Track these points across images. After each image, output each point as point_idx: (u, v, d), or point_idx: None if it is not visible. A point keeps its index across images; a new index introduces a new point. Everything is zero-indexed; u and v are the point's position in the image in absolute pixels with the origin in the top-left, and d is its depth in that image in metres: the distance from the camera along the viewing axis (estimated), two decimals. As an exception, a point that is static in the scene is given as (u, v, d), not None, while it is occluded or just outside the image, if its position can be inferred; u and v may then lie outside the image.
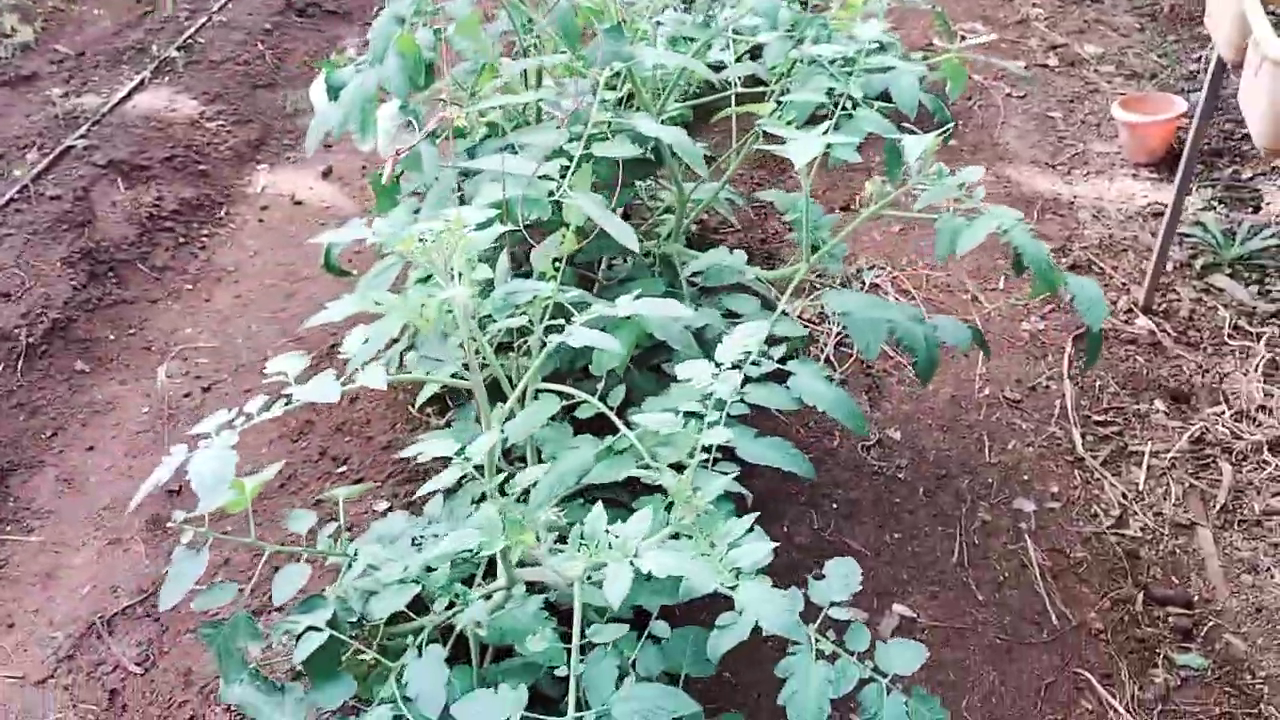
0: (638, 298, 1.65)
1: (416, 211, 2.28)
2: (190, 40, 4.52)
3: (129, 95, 4.18)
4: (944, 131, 2.37)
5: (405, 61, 2.13)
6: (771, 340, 1.94)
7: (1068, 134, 4.05)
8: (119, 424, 3.03)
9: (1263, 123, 2.23)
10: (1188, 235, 3.47)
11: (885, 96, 2.20)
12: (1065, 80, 4.34)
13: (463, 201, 2.17)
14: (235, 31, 4.63)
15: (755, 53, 2.41)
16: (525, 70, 2.40)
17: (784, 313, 2.02)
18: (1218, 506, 2.61)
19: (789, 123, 1.91)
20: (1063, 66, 4.44)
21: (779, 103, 2.02)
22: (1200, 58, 4.42)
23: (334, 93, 2.38)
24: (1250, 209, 3.59)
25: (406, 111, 2.21)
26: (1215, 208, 3.57)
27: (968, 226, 1.81)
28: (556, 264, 1.95)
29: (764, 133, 2.03)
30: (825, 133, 1.79)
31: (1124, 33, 4.65)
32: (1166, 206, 3.62)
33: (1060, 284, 1.91)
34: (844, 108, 2.00)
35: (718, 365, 1.68)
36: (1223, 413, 2.85)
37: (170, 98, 4.19)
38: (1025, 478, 2.71)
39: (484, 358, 1.77)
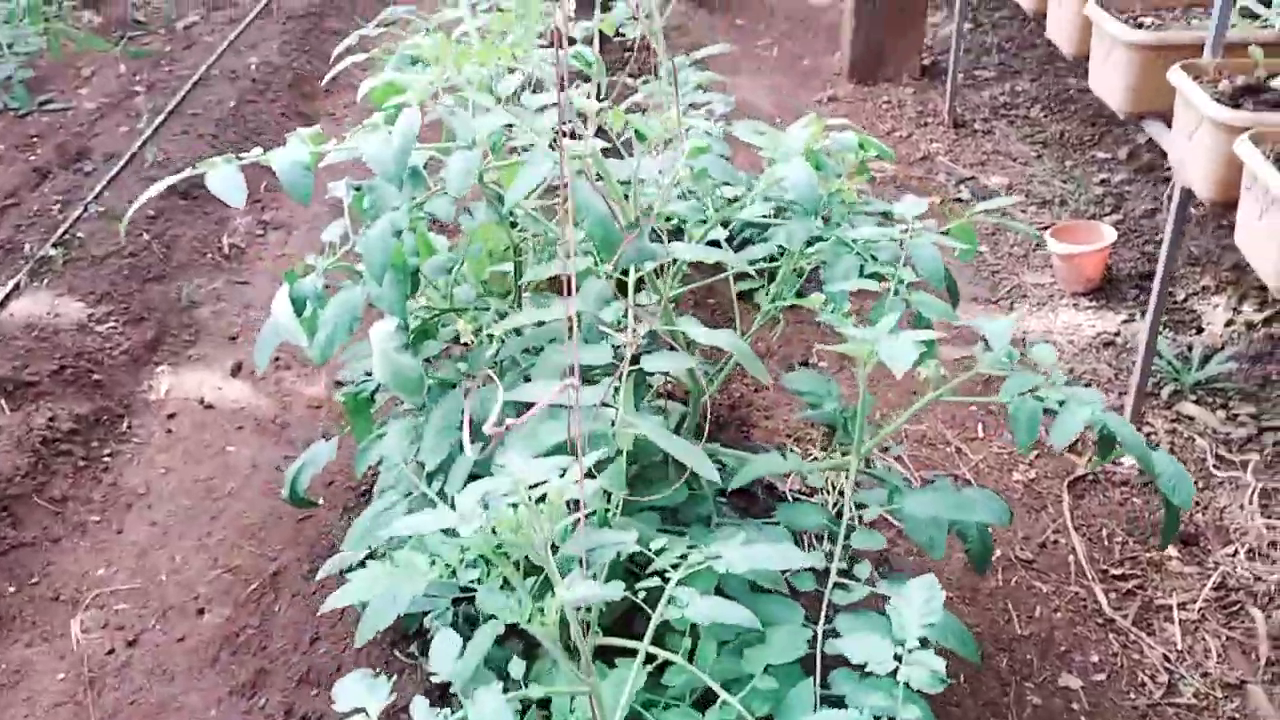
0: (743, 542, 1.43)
1: (416, 436, 2.01)
2: (68, 235, 4.15)
3: (4, 303, 3.77)
4: (956, 301, 2.26)
5: (398, 275, 1.89)
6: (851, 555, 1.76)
7: (1000, 267, 4.06)
8: (30, 697, 2.59)
9: (1277, 265, 2.19)
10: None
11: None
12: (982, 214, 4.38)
13: (473, 423, 1.92)
14: (114, 222, 4.28)
15: (726, 222, 2.26)
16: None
17: (855, 521, 1.83)
18: (1262, 660, 2.50)
19: (845, 315, 1.75)
20: (974, 199, 4.49)
21: (826, 292, 1.86)
22: (1104, 180, 4.54)
23: (299, 305, 2.11)
24: (1193, 330, 3.62)
25: (403, 331, 1.96)
26: (1161, 332, 3.59)
27: (1060, 414, 1.68)
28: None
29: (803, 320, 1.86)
30: (893, 328, 1.63)
31: (1023, 161, 4.75)
32: (1115, 335, 3.63)
33: (1153, 465, 1.79)
34: (895, 291, 1.87)
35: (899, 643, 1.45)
36: (1235, 553, 2.78)
37: (52, 302, 3.80)
38: (1063, 649, 2.55)
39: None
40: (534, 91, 2.06)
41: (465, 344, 2.13)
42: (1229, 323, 3.57)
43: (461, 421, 1.93)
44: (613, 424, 1.63)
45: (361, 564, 2.41)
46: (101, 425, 3.47)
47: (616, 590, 1.40)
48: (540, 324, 1.99)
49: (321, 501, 3.05)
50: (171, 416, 3.56)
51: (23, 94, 5.30)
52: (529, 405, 1.86)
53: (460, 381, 2.09)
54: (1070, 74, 5.44)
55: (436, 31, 2.29)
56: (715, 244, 2.04)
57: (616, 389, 1.68)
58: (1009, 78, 5.52)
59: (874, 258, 2.01)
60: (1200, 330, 3.60)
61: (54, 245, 4.07)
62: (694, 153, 2.02)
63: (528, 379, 2.02)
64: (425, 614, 2.23)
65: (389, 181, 1.81)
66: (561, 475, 1.37)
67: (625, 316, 1.77)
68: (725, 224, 2.42)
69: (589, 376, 1.86)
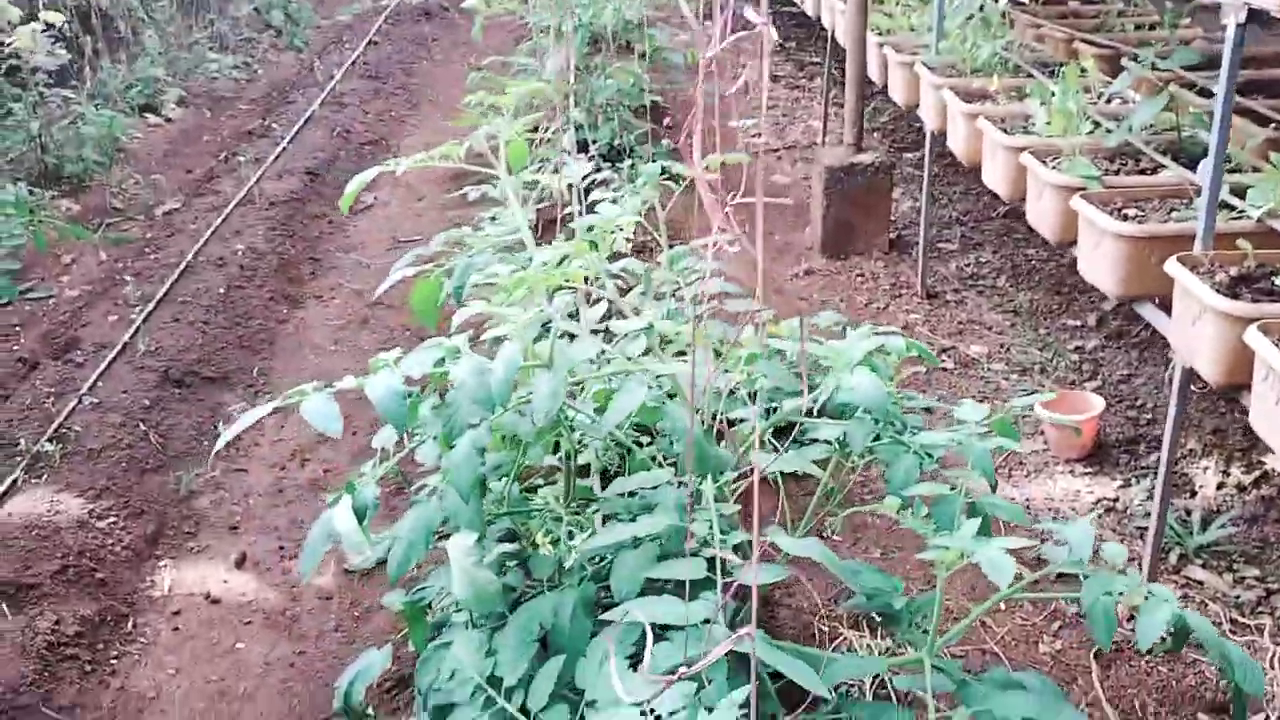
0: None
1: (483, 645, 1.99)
2: (63, 429, 4.10)
3: (1, 501, 3.70)
4: (994, 487, 2.34)
5: (476, 492, 1.92)
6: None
7: (992, 436, 4.18)
8: None
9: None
10: (1144, 528, 3.56)
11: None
12: (967, 381, 4.54)
13: (544, 643, 1.91)
14: (111, 413, 4.25)
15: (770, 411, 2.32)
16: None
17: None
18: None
19: (924, 516, 1.82)
20: (959, 368, 4.66)
21: (892, 491, 1.93)
22: (1078, 347, 4.74)
23: (361, 515, 2.12)
24: (1187, 493, 3.74)
25: (483, 547, 1.97)
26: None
27: (1142, 613, 1.73)
28: None
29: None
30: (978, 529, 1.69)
31: (998, 330, 4.96)
32: (1114, 501, 3.74)
33: (1230, 658, 1.84)
34: (962, 492, 1.94)
35: None
36: (1266, 718, 2.82)
37: (51, 498, 3.73)
38: (1118, 829, 2.54)
39: None
40: (619, 317, 2.14)
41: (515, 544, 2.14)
42: (1220, 485, 3.70)
43: (540, 633, 1.93)
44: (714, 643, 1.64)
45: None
46: (106, 625, 3.37)
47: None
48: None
49: (372, 710, 2.95)
50: (177, 613, 3.47)
51: (7, 285, 5.31)
52: (606, 613, 1.88)
53: (526, 588, 2.08)
54: (1029, 245, 5.73)
55: (493, 251, 2.38)
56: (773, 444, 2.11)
57: (724, 607, 1.70)
58: (972, 249, 5.79)
59: (929, 455, 2.10)
60: (1194, 494, 3.73)
61: (49, 440, 4.02)
62: (750, 359, 2.11)
63: (602, 586, 2.04)
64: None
65: (481, 406, 1.86)
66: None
67: (713, 528, 1.81)
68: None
69: (666, 588, 1.88)
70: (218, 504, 4.01)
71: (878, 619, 2.53)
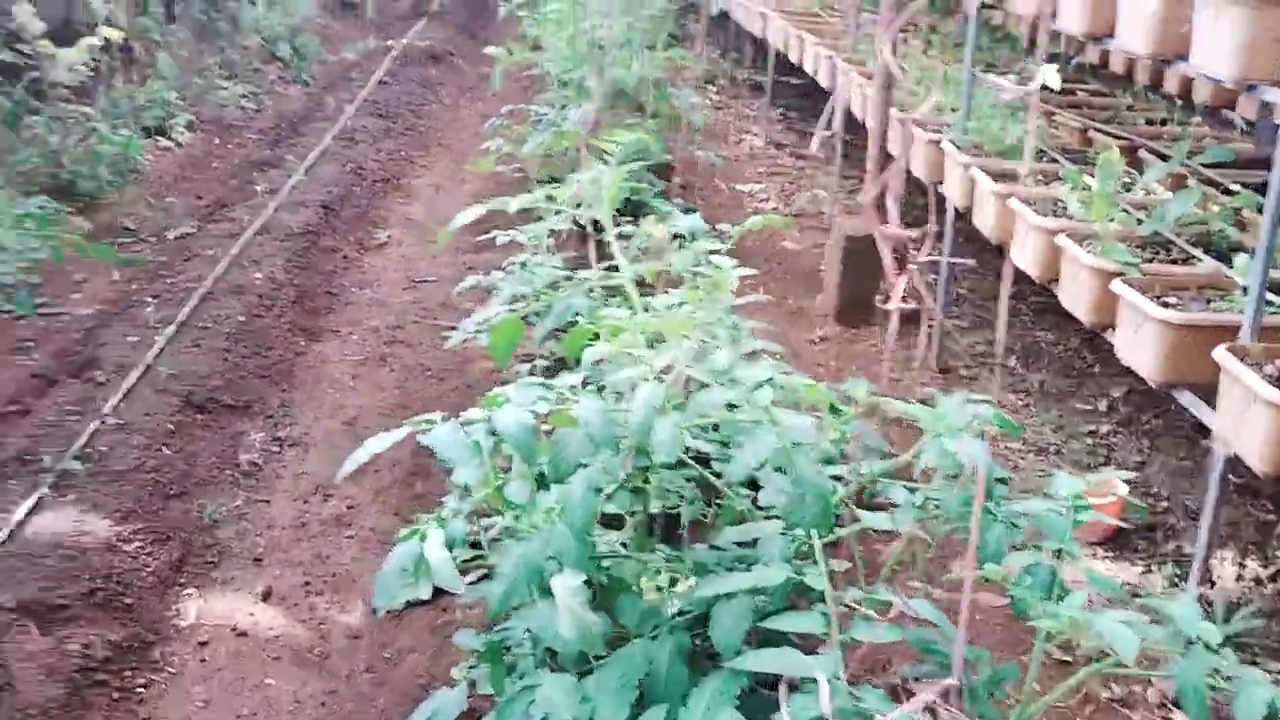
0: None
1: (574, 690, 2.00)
2: (87, 448, 4.06)
3: (27, 518, 3.65)
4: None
5: (587, 533, 1.94)
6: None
7: (1011, 510, 4.26)
8: None
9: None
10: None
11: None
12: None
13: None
14: (135, 435, 4.21)
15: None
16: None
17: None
18: None
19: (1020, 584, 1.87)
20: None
21: (984, 558, 1.99)
22: (1091, 430, 4.85)
23: (451, 549, 2.13)
24: (1207, 584, 3.83)
25: (587, 587, 1.99)
26: (1178, 584, 3.79)
27: (1239, 694, 1.79)
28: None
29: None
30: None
31: (1012, 410, 5.06)
32: (1136, 587, 3.82)
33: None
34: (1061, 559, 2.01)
35: None
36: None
37: (77, 518, 3.69)
38: None
39: None
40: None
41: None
42: (1238, 577, 3.79)
43: (638, 679, 1.95)
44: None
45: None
46: (133, 652, 3.32)
47: None
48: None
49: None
50: (204, 644, 3.43)
51: (26, 299, 5.26)
52: (713, 660, 1.91)
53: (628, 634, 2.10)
54: (1037, 327, 5.87)
55: (598, 295, 2.42)
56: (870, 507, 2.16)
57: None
58: (982, 327, 5.92)
59: (1014, 524, 2.16)
60: (1212, 584, 3.81)
61: (74, 458, 3.98)
62: (844, 422, 2.17)
63: (701, 634, 2.06)
64: None
65: (606, 445, 1.89)
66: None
67: (826, 583, 1.85)
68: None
69: (773, 638, 1.92)
70: (241, 535, 3.98)
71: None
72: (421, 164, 8.56)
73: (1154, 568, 3.88)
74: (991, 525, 2.11)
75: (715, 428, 2.12)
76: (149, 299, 5.38)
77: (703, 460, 2.23)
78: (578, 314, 2.37)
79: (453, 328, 5.35)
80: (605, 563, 2.27)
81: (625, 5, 6.23)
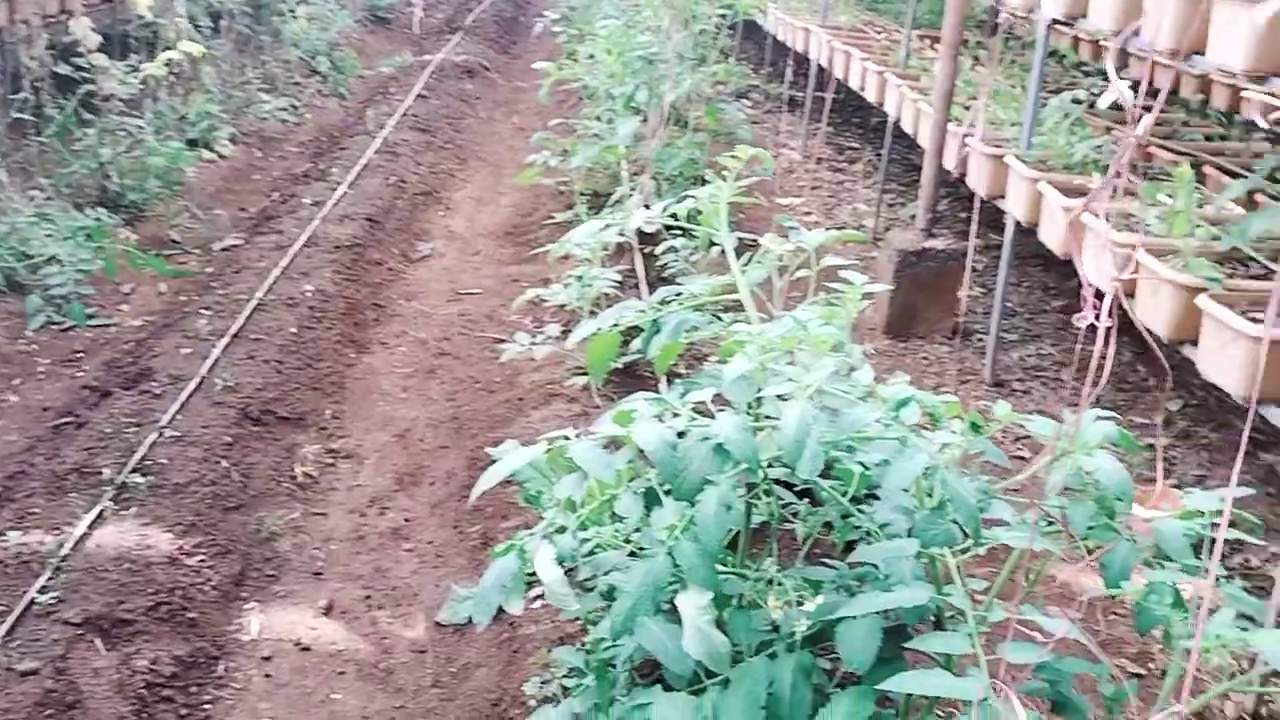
0: None
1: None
2: (145, 460, 4.03)
3: (89, 531, 3.62)
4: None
5: (713, 549, 1.87)
6: None
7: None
8: None
9: None
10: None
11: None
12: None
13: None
14: (192, 447, 4.18)
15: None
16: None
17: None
18: None
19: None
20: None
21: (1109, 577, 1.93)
22: (1149, 445, 4.76)
23: (562, 564, 2.08)
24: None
25: (714, 606, 1.93)
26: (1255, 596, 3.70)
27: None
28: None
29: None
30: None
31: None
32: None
33: None
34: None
35: None
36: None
37: (140, 532, 3.65)
38: None
39: None
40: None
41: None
42: (1320, 594, 3.70)
43: (767, 701, 1.89)
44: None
45: None
46: (198, 667, 3.29)
47: None
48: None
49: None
50: (268, 659, 3.39)
51: (79, 310, 5.26)
52: (837, 679, 1.85)
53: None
54: (1084, 340, 5.78)
55: (694, 309, 2.37)
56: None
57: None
58: (1031, 341, 5.85)
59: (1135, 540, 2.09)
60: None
61: (134, 471, 3.95)
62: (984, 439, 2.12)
63: (825, 647, 2.01)
64: None
65: (743, 459, 1.84)
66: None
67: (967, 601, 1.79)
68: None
69: (894, 660, 1.86)
70: (299, 548, 3.94)
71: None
72: (461, 177, 8.55)
73: (1220, 581, 3.78)
74: (1120, 544, 2.04)
75: (849, 448, 2.06)
76: (201, 310, 5.36)
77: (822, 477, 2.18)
78: (694, 328, 2.32)
79: (499, 340, 5.38)
80: (722, 579, 2.21)
81: (677, 20, 6.19)
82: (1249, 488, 4.37)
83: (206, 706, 3.17)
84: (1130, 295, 3.90)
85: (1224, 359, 3.23)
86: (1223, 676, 2.03)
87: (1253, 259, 3.74)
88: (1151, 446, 4.80)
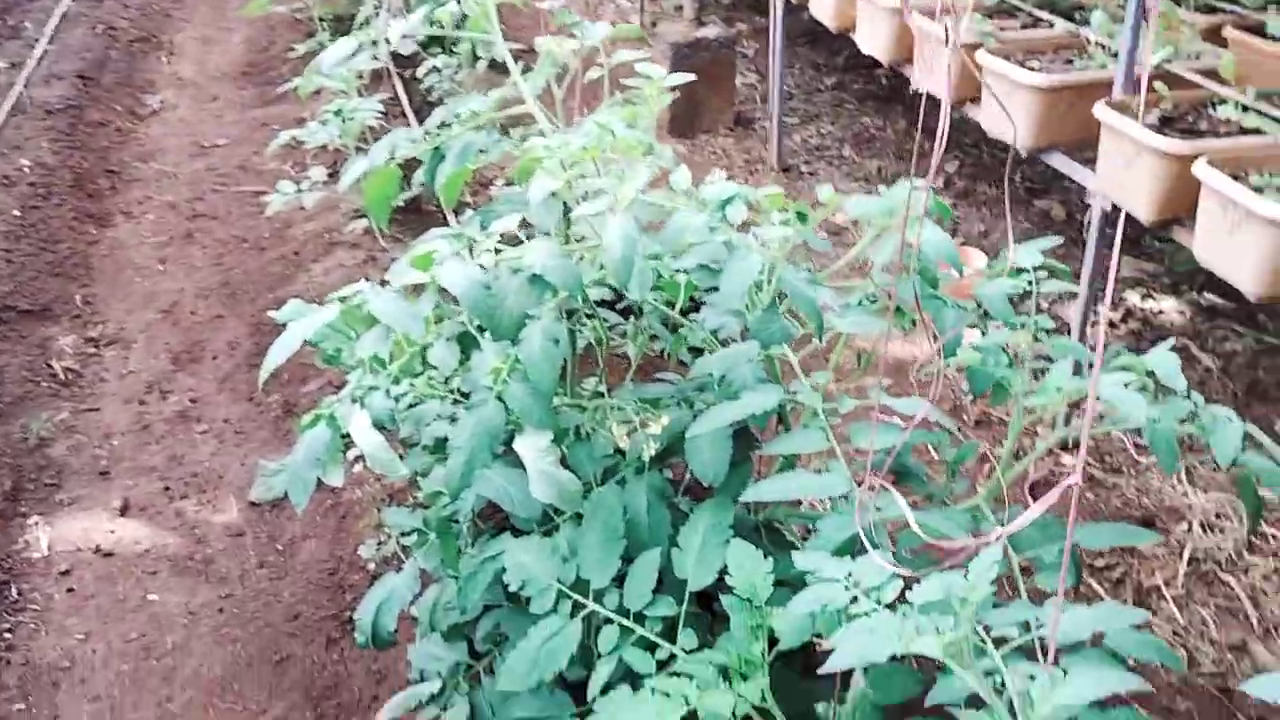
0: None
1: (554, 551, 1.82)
2: None
3: None
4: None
5: (546, 388, 1.70)
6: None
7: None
8: None
9: None
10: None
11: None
12: (842, 250, 4.61)
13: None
14: (-78, 357, 3.67)
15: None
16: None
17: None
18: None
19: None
20: (831, 236, 4.72)
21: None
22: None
23: (380, 429, 1.88)
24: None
25: (555, 446, 1.78)
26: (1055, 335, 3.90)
27: None
28: None
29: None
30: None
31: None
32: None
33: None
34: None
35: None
36: None
37: (-120, 462, 3.19)
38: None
39: None
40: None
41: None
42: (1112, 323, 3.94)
43: (624, 528, 1.79)
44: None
45: (434, 697, 2.18)
46: (-13, 597, 2.95)
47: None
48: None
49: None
50: (66, 573, 3.08)
51: None
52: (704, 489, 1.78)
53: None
54: (863, 115, 5.84)
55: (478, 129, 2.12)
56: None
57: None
58: (811, 122, 5.85)
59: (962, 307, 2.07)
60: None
61: None
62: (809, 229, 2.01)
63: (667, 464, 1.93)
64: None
65: (571, 290, 1.66)
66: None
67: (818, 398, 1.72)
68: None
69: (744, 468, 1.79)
70: (77, 449, 3.56)
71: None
72: (179, 16, 7.67)
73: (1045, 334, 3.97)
74: (946, 311, 2.01)
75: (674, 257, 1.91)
76: (-103, 204, 4.64)
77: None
78: (481, 150, 2.07)
79: (260, 192, 4.92)
80: (583, 413, 2.06)
81: None
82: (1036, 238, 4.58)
83: (8, 635, 2.86)
84: (909, 62, 3.88)
85: (1009, 109, 3.26)
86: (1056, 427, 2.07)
87: (1019, 8, 3.76)
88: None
